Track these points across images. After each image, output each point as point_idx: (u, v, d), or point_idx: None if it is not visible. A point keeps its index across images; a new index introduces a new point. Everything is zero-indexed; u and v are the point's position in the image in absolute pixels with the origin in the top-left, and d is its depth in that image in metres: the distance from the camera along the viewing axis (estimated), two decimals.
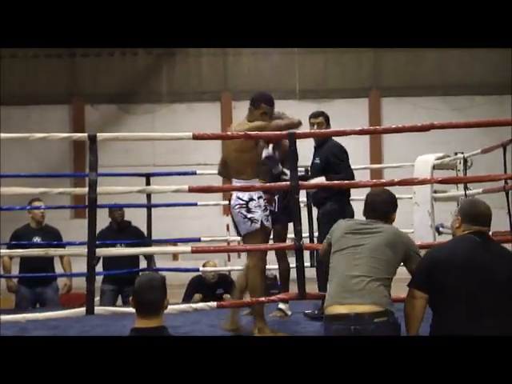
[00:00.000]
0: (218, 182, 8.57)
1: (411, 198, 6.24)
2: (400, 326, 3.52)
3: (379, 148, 15.92)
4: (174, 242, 7.80)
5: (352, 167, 5.23)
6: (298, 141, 4.47)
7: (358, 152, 13.19)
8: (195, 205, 7.07)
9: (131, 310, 3.17)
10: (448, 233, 5.00)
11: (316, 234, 5.55)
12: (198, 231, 9.71)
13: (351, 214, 4.96)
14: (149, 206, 6.77)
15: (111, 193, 4.58)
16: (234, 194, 4.54)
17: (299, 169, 5.04)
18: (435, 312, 3.44)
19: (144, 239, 6.84)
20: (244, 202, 4.49)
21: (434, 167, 6.23)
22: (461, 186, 5.94)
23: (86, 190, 4.31)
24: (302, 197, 5.06)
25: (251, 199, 4.50)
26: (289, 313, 5.35)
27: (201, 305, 4.44)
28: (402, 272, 3.73)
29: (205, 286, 6.89)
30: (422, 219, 6.14)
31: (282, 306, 5.36)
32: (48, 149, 15.30)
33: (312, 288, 4.75)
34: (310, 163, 5.38)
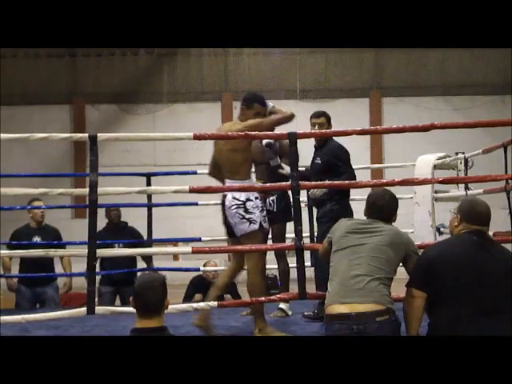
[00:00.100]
0: (218, 182, 8.55)
1: (412, 197, 6.24)
2: (401, 324, 3.53)
3: (380, 148, 15.90)
4: (175, 241, 7.80)
5: (353, 167, 5.22)
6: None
7: (358, 152, 13.18)
8: (196, 204, 7.06)
9: (132, 309, 3.16)
10: (448, 233, 5.00)
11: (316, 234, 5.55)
12: (198, 231, 9.70)
13: (351, 215, 4.95)
14: (149, 206, 6.77)
15: (112, 193, 4.57)
16: (230, 195, 4.50)
17: (299, 169, 5.03)
18: (433, 311, 3.43)
19: (141, 240, 6.84)
20: (241, 203, 4.46)
21: (435, 167, 6.24)
22: (462, 186, 5.94)
23: (86, 190, 4.30)
24: (303, 196, 5.05)
25: (248, 199, 4.48)
26: (289, 313, 5.35)
27: (201, 304, 4.43)
28: (403, 272, 3.73)
29: (205, 286, 6.86)
30: (422, 219, 6.14)
31: (282, 305, 5.36)
32: (49, 149, 15.29)
33: (313, 288, 4.75)
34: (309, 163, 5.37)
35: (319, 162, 5.18)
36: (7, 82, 15.37)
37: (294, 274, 4.58)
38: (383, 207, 3.77)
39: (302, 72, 15.92)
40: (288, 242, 5.23)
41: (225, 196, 4.55)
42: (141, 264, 7.00)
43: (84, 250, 4.22)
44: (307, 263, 4.66)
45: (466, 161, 6.09)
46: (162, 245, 8.00)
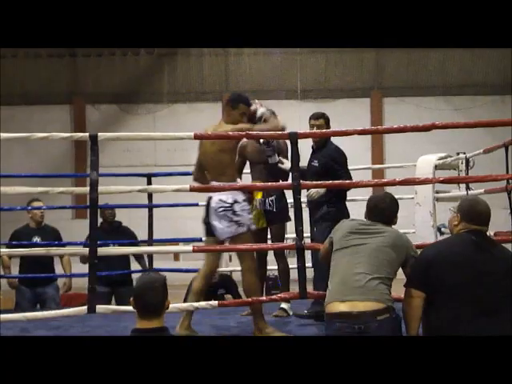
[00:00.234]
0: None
1: (413, 198, 6.24)
2: (401, 320, 3.54)
3: (381, 148, 15.89)
4: (175, 241, 7.79)
5: (353, 167, 5.22)
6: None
7: (359, 152, 13.23)
8: (196, 205, 7.05)
9: (132, 308, 3.16)
10: (449, 233, 4.99)
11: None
12: (198, 232, 9.68)
13: (347, 218, 4.92)
14: (150, 207, 6.76)
15: (112, 192, 4.56)
16: (216, 197, 4.45)
17: None
18: (432, 311, 3.43)
19: (136, 240, 6.82)
20: (229, 205, 4.42)
21: (436, 167, 6.23)
22: (463, 186, 5.94)
23: (86, 189, 4.30)
24: (303, 197, 5.04)
25: (236, 202, 4.44)
26: (291, 312, 5.35)
27: (202, 304, 4.43)
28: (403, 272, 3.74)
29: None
30: (423, 219, 6.13)
31: (284, 305, 5.36)
32: (49, 149, 15.27)
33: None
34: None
35: (316, 164, 5.14)
36: (7, 82, 15.35)
37: (294, 274, 4.57)
38: (384, 210, 3.78)
39: (302, 72, 15.90)
40: (289, 242, 5.23)
41: (210, 198, 4.50)
42: (134, 265, 6.96)
43: (84, 249, 4.22)
44: (308, 263, 4.65)
45: (467, 161, 6.08)
46: (162, 245, 7.98)
